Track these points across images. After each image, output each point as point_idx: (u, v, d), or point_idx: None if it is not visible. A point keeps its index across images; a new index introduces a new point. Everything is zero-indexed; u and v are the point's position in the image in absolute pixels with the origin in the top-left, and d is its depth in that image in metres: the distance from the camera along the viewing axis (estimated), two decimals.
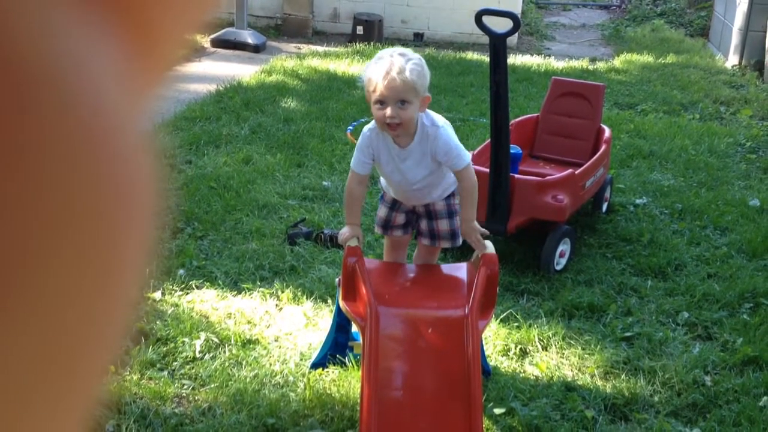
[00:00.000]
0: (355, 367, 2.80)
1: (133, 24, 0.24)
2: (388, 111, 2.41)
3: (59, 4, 0.22)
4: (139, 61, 0.25)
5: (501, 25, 3.46)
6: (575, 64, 8.01)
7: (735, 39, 8.04)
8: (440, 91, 6.75)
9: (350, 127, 5.70)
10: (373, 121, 2.55)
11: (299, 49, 8.59)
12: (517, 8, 9.08)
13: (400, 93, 2.39)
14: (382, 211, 2.79)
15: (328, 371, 2.83)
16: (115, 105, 0.23)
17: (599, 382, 2.86)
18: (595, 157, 4.01)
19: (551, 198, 3.61)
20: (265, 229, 3.97)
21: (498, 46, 3.49)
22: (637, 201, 4.50)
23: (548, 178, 3.68)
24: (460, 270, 2.60)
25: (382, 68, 2.37)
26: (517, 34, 9.14)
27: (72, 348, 0.22)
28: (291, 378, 2.79)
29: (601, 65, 7.97)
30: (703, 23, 9.76)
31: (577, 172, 3.77)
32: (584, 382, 2.85)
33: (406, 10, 9.14)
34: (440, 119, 2.62)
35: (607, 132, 4.29)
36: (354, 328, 2.77)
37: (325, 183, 4.59)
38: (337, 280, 2.63)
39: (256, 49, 8.35)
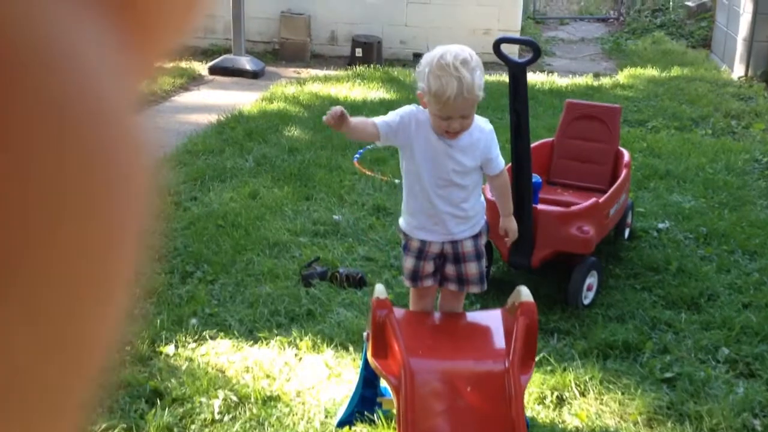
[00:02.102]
0: (385, 425, 2.64)
1: (128, 10, 0.24)
2: (455, 125, 2.39)
3: None
4: (134, 49, 0.25)
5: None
6: (579, 80, 7.88)
7: (740, 49, 7.93)
8: None
9: (357, 155, 5.55)
10: (422, 107, 2.45)
11: (298, 73, 8.47)
12: (517, 24, 8.98)
13: (468, 109, 2.36)
14: (408, 262, 2.63)
15: (355, 430, 2.66)
16: (110, 94, 0.23)
17: (643, 431, 2.70)
18: (617, 184, 3.86)
19: (576, 229, 3.45)
20: (277, 269, 3.81)
21: (518, 74, 3.35)
22: (660, 225, 4.35)
23: (573, 208, 3.52)
24: (493, 318, 2.45)
25: (452, 87, 2.27)
26: (517, 52, 9.03)
27: (65, 344, 0.22)
28: None
29: (605, 81, 7.84)
30: (704, 34, 9.66)
31: (601, 200, 3.62)
32: (628, 431, 2.69)
33: (404, 30, 9.03)
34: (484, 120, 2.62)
35: (627, 156, 4.15)
36: (382, 383, 2.61)
37: (335, 217, 4.44)
38: (365, 334, 2.47)
39: (255, 75, 8.23)
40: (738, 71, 7.96)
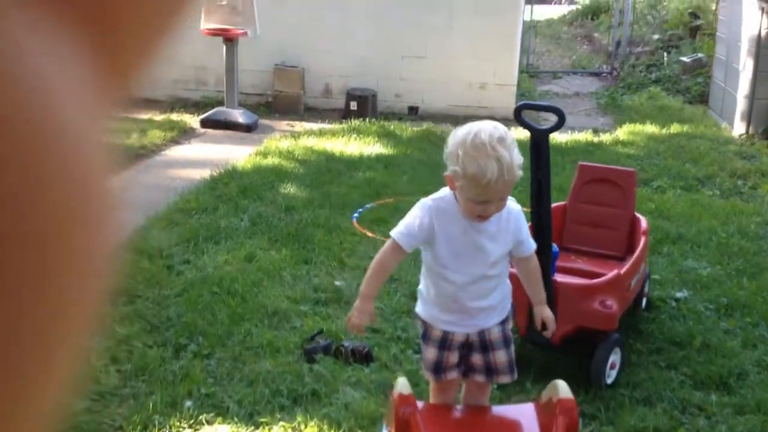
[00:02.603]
0: None
1: (99, 37, 0.24)
2: (491, 209, 2.20)
3: (23, 19, 0.21)
4: (105, 76, 0.25)
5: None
6: (579, 137, 7.75)
7: (740, 107, 7.85)
8: (444, 170, 6.44)
9: (356, 215, 5.35)
10: (439, 194, 2.24)
11: (292, 126, 8.30)
12: (513, 78, 8.89)
13: (507, 191, 2.19)
14: (430, 353, 2.40)
15: None
16: (78, 125, 0.23)
17: None
18: (637, 253, 3.67)
19: (599, 304, 3.25)
20: (277, 342, 3.57)
21: (540, 141, 3.19)
22: (678, 294, 4.15)
23: (595, 281, 3.32)
24: (526, 414, 2.22)
25: (492, 169, 2.08)
26: (514, 106, 8.92)
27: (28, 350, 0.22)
28: None
29: (605, 137, 7.72)
30: (701, 90, 9.61)
31: (622, 271, 3.42)
32: None
33: (399, 84, 8.91)
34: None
35: (644, 222, 3.97)
36: None
37: (337, 283, 4.21)
38: (385, 431, 2.23)
39: (248, 128, 8.05)
40: (738, 129, 7.87)
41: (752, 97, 7.70)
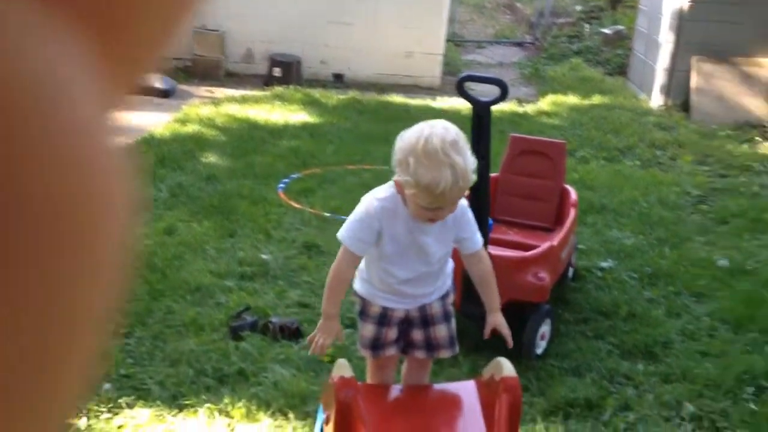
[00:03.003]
0: None
1: (103, 32, 0.24)
2: (443, 214, 2.09)
3: (31, 16, 0.21)
4: (110, 72, 0.24)
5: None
6: (504, 107, 7.74)
7: (659, 79, 7.98)
8: (371, 140, 6.35)
9: (281, 185, 5.22)
10: (383, 193, 2.13)
11: (212, 92, 8.05)
12: (440, 47, 8.82)
13: (461, 196, 2.08)
14: (368, 330, 2.32)
15: None
16: (88, 120, 0.23)
17: None
18: (567, 225, 3.67)
19: (533, 276, 3.23)
20: (201, 319, 3.44)
21: (482, 114, 3.12)
22: (603, 264, 4.19)
23: (529, 254, 3.30)
24: (468, 392, 2.17)
25: (446, 177, 1.95)
26: (440, 75, 8.89)
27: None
28: None
29: (530, 108, 7.75)
30: (621, 61, 9.74)
31: (555, 243, 3.41)
32: None
33: (324, 50, 8.73)
34: None
35: (573, 194, 3.96)
36: None
37: (264, 256, 4.09)
38: (324, 416, 2.14)
39: (166, 94, 7.76)
40: (657, 100, 8.01)
41: (672, 69, 7.84)
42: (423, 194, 1.97)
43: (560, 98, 8.07)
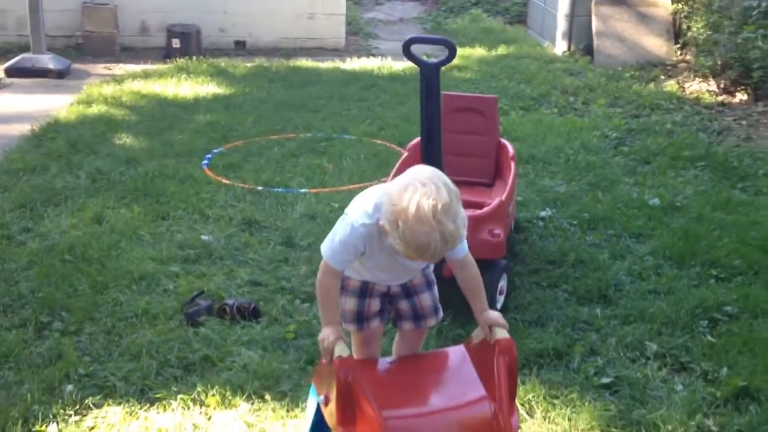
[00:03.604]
0: None
1: None
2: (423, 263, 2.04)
3: None
4: None
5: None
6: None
7: (561, 26, 8.12)
8: (288, 108, 6.23)
9: (205, 162, 5.05)
10: (368, 219, 2.03)
11: (109, 69, 7.71)
12: (341, 7, 8.70)
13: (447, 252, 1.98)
14: (350, 303, 2.26)
15: None
16: None
17: None
18: (511, 179, 3.70)
19: (488, 234, 3.24)
20: (153, 308, 3.30)
21: (430, 76, 3.08)
22: (542, 214, 4.26)
23: (483, 212, 3.30)
24: (460, 356, 2.16)
25: (435, 243, 1.86)
26: (344, 36, 8.77)
27: None
28: None
29: None
30: (519, 10, 9.86)
31: (504, 198, 3.43)
32: None
33: (224, 17, 8.47)
34: None
35: (510, 148, 3.99)
36: None
37: (204, 237, 3.96)
38: (321, 398, 2.09)
39: (60, 74, 7.38)
40: (561, 47, 8.15)
41: (572, 15, 7.98)
42: (410, 252, 1.90)
43: (467, 51, 8.10)
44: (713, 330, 3.18)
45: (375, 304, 2.27)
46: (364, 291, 2.26)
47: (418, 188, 1.87)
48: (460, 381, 2.07)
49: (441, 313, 2.38)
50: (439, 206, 1.85)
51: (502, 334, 2.08)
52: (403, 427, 1.91)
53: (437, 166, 3.18)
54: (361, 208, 2.07)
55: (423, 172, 1.93)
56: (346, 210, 2.17)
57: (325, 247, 2.11)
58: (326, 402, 2.05)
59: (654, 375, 2.90)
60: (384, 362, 2.19)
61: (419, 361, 2.22)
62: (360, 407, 1.95)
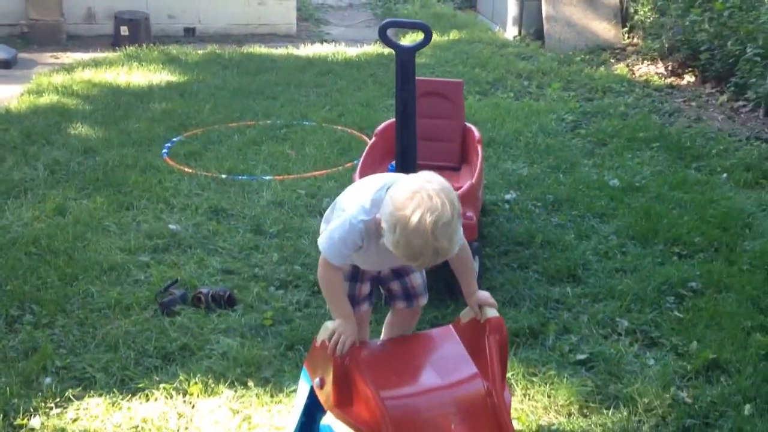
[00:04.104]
0: None
1: None
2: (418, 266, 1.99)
3: None
4: None
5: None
6: (368, 50, 7.74)
7: (512, 10, 8.20)
8: (245, 95, 6.18)
9: (165, 151, 4.99)
10: (367, 216, 2.03)
11: (57, 58, 7.53)
12: None
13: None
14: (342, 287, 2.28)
15: None
16: None
17: (583, 423, 2.60)
18: (479, 162, 3.74)
19: (461, 216, 3.28)
20: (125, 299, 3.27)
21: (406, 60, 3.10)
22: (507, 196, 4.32)
23: None
24: (449, 335, 2.20)
25: (427, 255, 1.87)
26: (295, 21, 8.72)
27: None
28: None
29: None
30: None
31: (474, 181, 3.48)
32: (569, 425, 2.58)
33: (172, 4, 8.34)
34: None
35: (476, 131, 4.03)
36: (326, 421, 2.28)
37: (171, 226, 3.92)
38: (317, 380, 2.10)
39: (7, 64, 7.19)
40: (511, 31, 8.24)
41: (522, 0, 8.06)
42: (401, 256, 1.91)
43: (419, 36, 8.10)
44: (680, 305, 3.29)
45: (365, 288, 2.30)
46: (356, 275, 2.28)
47: (424, 201, 1.85)
48: (452, 360, 2.11)
49: (427, 293, 2.42)
50: (440, 224, 1.85)
51: (492, 313, 2.13)
52: (401, 407, 1.94)
53: (412, 150, 3.24)
54: (359, 204, 2.06)
55: (433, 183, 1.91)
56: (341, 203, 2.17)
57: (324, 244, 2.09)
58: (321, 385, 2.07)
59: (626, 350, 2.98)
60: (375, 344, 2.22)
61: (410, 342, 2.25)
62: (357, 389, 1.97)
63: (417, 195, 1.86)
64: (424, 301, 2.40)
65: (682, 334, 3.07)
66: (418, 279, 2.36)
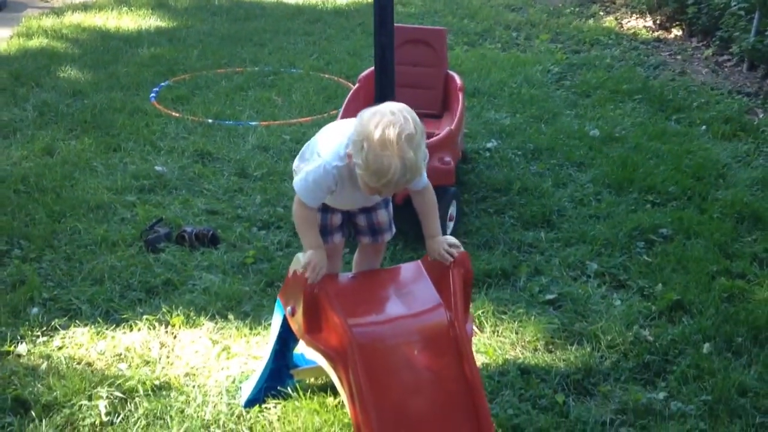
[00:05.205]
0: (302, 397, 2.43)
1: None
2: (389, 193, 2.12)
3: None
4: None
5: None
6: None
7: None
8: (233, 42, 6.21)
9: (153, 95, 5.04)
10: (340, 161, 2.12)
11: (47, 1, 7.54)
12: None
13: (407, 185, 2.08)
14: None
15: (268, 407, 2.43)
16: None
17: (547, 357, 2.72)
18: (459, 109, 3.81)
19: (439, 161, 3.37)
20: (112, 236, 3.36)
21: (384, 5, 3.14)
22: (488, 145, 4.40)
23: (432, 140, 3.42)
24: (416, 270, 2.29)
25: (395, 168, 1.95)
26: None
27: None
28: (232, 426, 2.36)
29: None
30: None
31: (453, 127, 3.55)
32: (534, 360, 2.70)
33: None
34: None
35: (458, 79, 4.10)
36: (299, 351, 2.40)
37: (158, 168, 4.00)
38: (289, 309, 2.21)
39: None
40: None
41: None
42: (370, 178, 2.00)
43: None
44: (649, 250, 3.39)
45: (336, 219, 2.39)
46: (326, 207, 2.37)
47: (386, 115, 1.98)
48: (417, 292, 2.21)
49: (394, 229, 2.51)
50: (404, 135, 1.96)
51: (455, 249, 2.22)
52: (366, 333, 2.04)
53: (390, 95, 3.30)
54: (334, 150, 2.15)
55: (394, 104, 2.04)
56: (315, 146, 2.25)
57: (299, 185, 2.19)
58: (293, 313, 2.17)
59: (594, 292, 3.10)
60: (346, 276, 2.32)
61: (379, 275, 2.36)
62: (326, 317, 2.08)
63: (379, 112, 2.00)
64: (388, 236, 2.50)
65: (649, 277, 3.18)
66: (383, 215, 2.45)
